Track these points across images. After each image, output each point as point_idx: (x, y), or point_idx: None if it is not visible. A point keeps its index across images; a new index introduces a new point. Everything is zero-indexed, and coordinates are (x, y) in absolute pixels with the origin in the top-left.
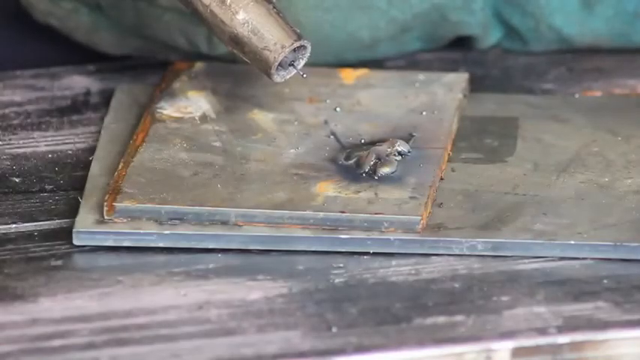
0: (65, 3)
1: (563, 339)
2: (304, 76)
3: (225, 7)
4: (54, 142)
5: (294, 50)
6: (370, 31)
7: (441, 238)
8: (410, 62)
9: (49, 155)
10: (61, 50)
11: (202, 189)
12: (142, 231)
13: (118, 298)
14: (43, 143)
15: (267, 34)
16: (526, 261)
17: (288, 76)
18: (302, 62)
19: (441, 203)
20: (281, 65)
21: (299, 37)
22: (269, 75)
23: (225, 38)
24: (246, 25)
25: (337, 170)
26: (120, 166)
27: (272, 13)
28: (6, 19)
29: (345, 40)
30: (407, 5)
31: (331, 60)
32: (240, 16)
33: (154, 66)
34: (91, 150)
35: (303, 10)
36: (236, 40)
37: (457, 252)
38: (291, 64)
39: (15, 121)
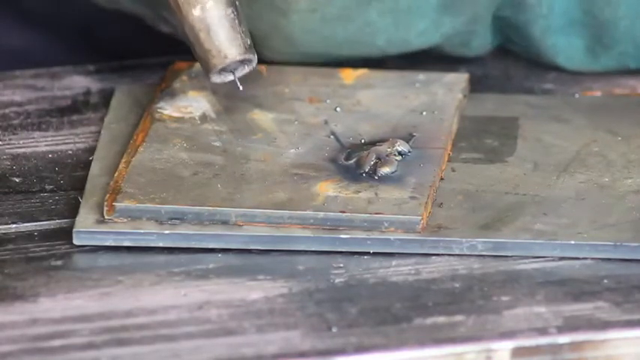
0: None
1: (563, 339)
2: (240, 88)
3: None
4: (54, 142)
5: (239, 61)
6: (363, 57)
7: (441, 238)
8: (410, 62)
9: (49, 155)
10: (61, 50)
11: (202, 189)
12: (142, 231)
13: (118, 298)
14: (43, 143)
15: (215, 39)
16: (526, 261)
17: (226, 80)
18: (244, 71)
19: (441, 203)
20: (224, 69)
21: (245, 51)
22: (206, 75)
23: (181, 28)
24: (199, 22)
25: (337, 170)
26: (120, 166)
27: (228, 19)
28: (6, 19)
29: (337, 58)
30: (405, 45)
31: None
32: (197, 12)
33: (154, 66)
34: (91, 150)
35: (300, 32)
36: (188, 33)
37: (457, 252)
38: (231, 71)
39: (15, 121)
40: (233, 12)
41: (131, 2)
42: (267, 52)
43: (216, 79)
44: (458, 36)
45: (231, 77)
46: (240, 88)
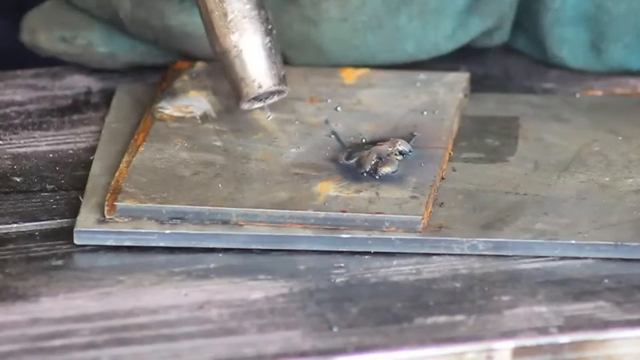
0: (80, 39)
1: (563, 339)
2: (269, 117)
3: (224, 22)
4: (55, 142)
5: (271, 91)
6: (394, 62)
7: (442, 238)
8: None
9: (50, 155)
10: None
11: (203, 188)
12: (142, 230)
13: (118, 297)
14: (44, 143)
15: (249, 67)
16: (527, 260)
17: (254, 107)
18: (273, 100)
19: (442, 203)
20: (255, 98)
21: (279, 82)
22: (237, 101)
23: (213, 48)
24: (235, 48)
25: (338, 170)
26: (121, 166)
27: (265, 48)
28: (6, 18)
29: (366, 66)
30: (434, 49)
31: None
32: (234, 37)
33: (154, 66)
34: (92, 149)
35: (329, 41)
36: (221, 57)
37: (458, 251)
38: (262, 100)
39: (16, 121)
40: (270, 41)
41: (153, 52)
42: (297, 64)
43: (245, 105)
44: (483, 33)
45: (260, 105)
46: (270, 116)
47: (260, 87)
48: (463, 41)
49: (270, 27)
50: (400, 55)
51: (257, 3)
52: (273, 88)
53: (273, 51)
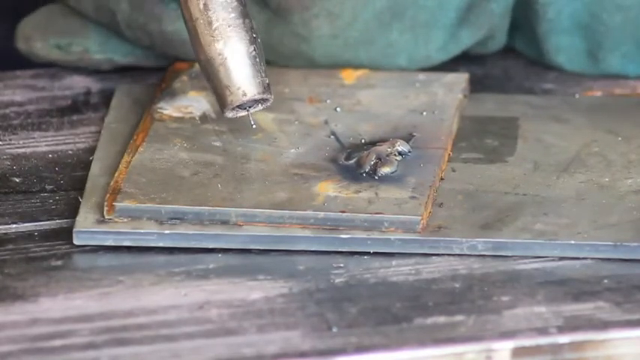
0: (75, 47)
1: (563, 339)
2: (253, 126)
3: (209, 30)
4: (54, 142)
5: (256, 99)
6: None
7: (442, 238)
8: None
9: (50, 155)
10: None
11: (203, 189)
12: (142, 231)
13: (118, 298)
14: (43, 143)
15: (234, 75)
16: (526, 261)
17: (238, 115)
18: (257, 109)
19: (442, 203)
20: (239, 106)
21: (264, 91)
22: (221, 110)
23: (197, 56)
24: (220, 56)
25: (338, 170)
26: (120, 166)
27: (249, 56)
28: (6, 18)
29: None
30: (426, 61)
31: None
32: (219, 45)
33: (154, 66)
34: (92, 150)
35: (322, 58)
36: (205, 65)
37: (457, 252)
38: (246, 108)
39: (15, 121)
40: (255, 50)
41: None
42: None
43: (229, 114)
44: (476, 43)
45: (244, 113)
46: (254, 126)
47: (245, 95)
48: (455, 52)
49: (254, 35)
50: (392, 68)
51: (242, 12)
52: (258, 96)
53: (257, 59)
